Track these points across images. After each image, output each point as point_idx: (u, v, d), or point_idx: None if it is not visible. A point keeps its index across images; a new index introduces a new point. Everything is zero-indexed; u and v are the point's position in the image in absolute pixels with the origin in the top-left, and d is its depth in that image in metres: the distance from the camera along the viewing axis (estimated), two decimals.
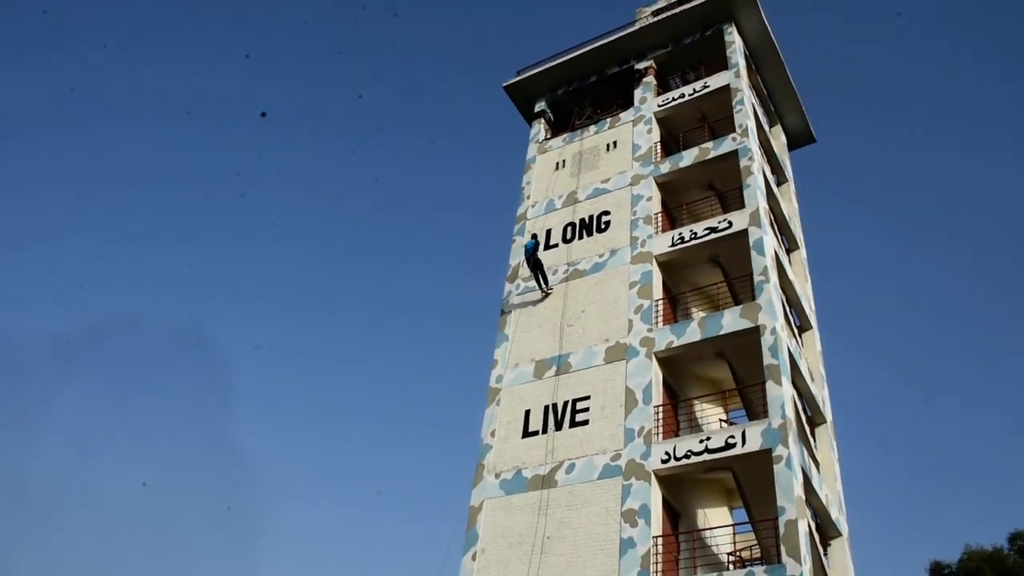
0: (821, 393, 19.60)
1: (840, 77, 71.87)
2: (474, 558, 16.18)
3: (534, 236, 21.09)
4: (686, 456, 15.11)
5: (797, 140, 26.37)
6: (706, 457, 14.95)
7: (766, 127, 23.23)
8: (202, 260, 67.85)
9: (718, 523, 16.58)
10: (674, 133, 22.47)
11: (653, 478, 15.20)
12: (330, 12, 75.65)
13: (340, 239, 72.27)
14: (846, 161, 67.88)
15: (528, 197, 23.20)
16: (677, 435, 16.17)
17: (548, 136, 24.99)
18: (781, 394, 14.88)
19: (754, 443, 14.51)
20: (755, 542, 15.01)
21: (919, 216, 68.31)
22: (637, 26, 24.50)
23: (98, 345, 57.67)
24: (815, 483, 15.80)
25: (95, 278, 62.97)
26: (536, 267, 19.66)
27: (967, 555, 25.54)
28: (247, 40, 72.24)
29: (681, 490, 15.96)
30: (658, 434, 15.80)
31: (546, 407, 17.66)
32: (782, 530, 13.29)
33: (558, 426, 17.16)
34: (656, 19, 24.14)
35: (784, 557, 13.00)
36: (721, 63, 22.52)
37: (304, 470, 60.91)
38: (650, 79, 23.68)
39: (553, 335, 18.95)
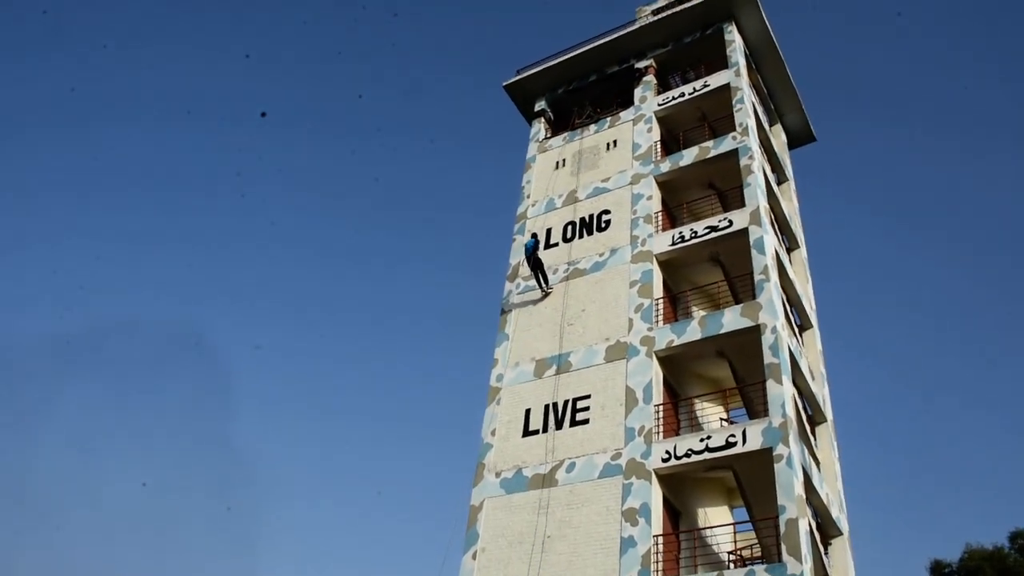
0: (821, 392, 19.58)
1: (840, 77, 71.94)
2: (474, 557, 16.18)
3: (534, 235, 21.05)
4: (687, 455, 15.10)
5: (797, 139, 26.36)
6: (707, 456, 14.94)
7: (766, 126, 23.21)
8: (202, 260, 67.92)
9: (719, 522, 16.57)
10: (674, 132, 22.44)
11: (653, 477, 15.19)
12: (330, 12, 75.73)
13: (340, 239, 72.33)
14: (846, 160, 67.96)
15: (528, 196, 23.18)
16: (678, 434, 16.17)
17: (548, 135, 24.97)
18: (782, 393, 14.87)
19: (755, 442, 14.50)
20: (756, 541, 15.01)
21: (919, 216, 68.37)
22: (637, 25, 24.49)
23: (98, 345, 57.74)
24: (816, 482, 15.78)
25: (95, 278, 63.04)
26: (536, 266, 19.65)
27: (968, 554, 25.51)
28: (247, 40, 72.31)
29: (682, 489, 15.95)
30: (658, 433, 15.79)
31: (546, 406, 17.65)
32: (783, 529, 13.28)
33: (558, 425, 17.15)
34: (656, 18, 24.13)
35: (785, 556, 12.99)
36: (721, 62, 22.50)
37: (304, 470, 60.98)
38: (650, 78, 23.67)
39: (553, 334, 18.94)
